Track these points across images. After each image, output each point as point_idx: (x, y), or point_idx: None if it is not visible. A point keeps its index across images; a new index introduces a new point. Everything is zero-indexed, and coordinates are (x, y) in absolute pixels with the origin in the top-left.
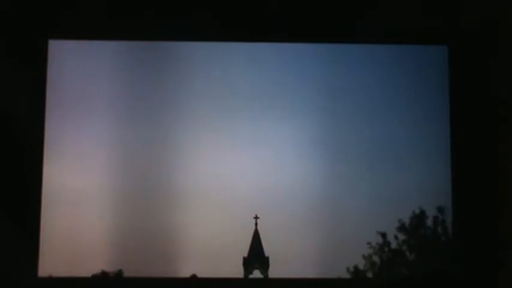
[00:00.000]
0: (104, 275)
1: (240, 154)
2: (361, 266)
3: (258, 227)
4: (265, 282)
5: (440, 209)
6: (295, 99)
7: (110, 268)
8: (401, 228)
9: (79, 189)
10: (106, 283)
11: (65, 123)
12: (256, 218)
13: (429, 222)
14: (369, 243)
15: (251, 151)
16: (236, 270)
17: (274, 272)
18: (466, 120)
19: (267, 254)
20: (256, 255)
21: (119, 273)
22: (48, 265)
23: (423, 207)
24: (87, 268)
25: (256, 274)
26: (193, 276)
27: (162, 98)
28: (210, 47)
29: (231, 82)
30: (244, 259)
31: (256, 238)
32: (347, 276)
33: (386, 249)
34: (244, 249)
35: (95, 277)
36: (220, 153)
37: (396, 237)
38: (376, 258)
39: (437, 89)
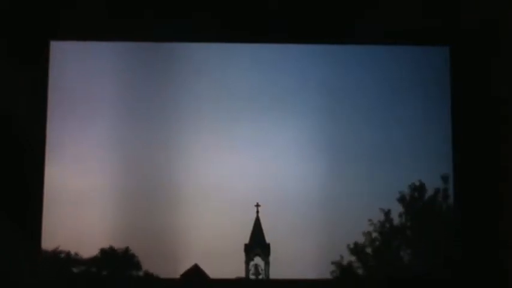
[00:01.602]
0: (112, 250)
1: (241, 155)
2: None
3: (259, 215)
4: (265, 283)
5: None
6: (295, 100)
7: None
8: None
9: (80, 189)
10: (106, 282)
11: (67, 123)
12: (257, 206)
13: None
14: (369, 220)
15: (251, 152)
16: (237, 270)
17: (275, 258)
18: (467, 120)
19: (268, 241)
20: (257, 242)
21: (126, 250)
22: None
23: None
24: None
25: (258, 261)
26: (195, 266)
27: (163, 99)
28: (211, 49)
29: (231, 83)
30: (246, 245)
31: (257, 225)
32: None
33: (387, 225)
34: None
35: (103, 251)
36: (221, 154)
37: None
38: (376, 235)
39: (438, 90)
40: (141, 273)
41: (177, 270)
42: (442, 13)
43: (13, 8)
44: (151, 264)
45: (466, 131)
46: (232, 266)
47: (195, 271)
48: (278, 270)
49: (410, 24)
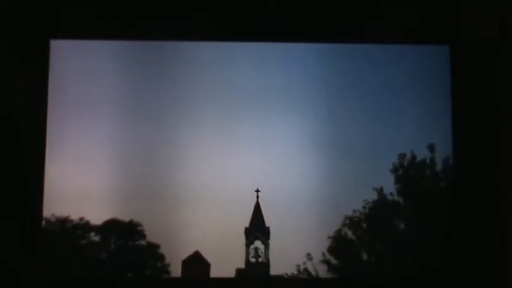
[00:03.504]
0: (113, 221)
1: (243, 153)
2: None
3: (259, 200)
4: (265, 282)
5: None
6: (298, 98)
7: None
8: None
9: (81, 189)
10: (106, 283)
11: (67, 122)
12: (257, 191)
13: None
14: (364, 200)
15: (254, 150)
16: (238, 253)
17: (274, 242)
18: (467, 118)
19: (267, 225)
20: (257, 225)
21: (130, 222)
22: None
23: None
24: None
25: (258, 244)
26: (196, 253)
27: (164, 98)
28: (212, 48)
29: (233, 82)
30: (246, 229)
31: (257, 210)
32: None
33: (380, 202)
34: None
35: (106, 223)
36: (223, 152)
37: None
38: (370, 211)
39: (439, 88)
40: (143, 245)
41: (180, 256)
42: (443, 12)
43: (12, 7)
44: (154, 258)
45: (466, 129)
46: (233, 250)
47: (196, 257)
48: (277, 253)
49: (411, 24)
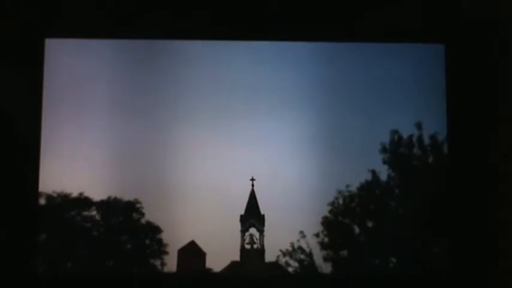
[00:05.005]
0: (115, 201)
1: (238, 147)
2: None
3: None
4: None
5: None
6: (292, 96)
7: None
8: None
9: (76, 187)
10: (105, 282)
11: (62, 122)
12: (252, 180)
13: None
14: (360, 183)
15: (249, 144)
16: (234, 240)
17: (269, 229)
18: (464, 118)
19: (262, 212)
20: (252, 212)
21: (135, 201)
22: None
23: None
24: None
25: (253, 231)
26: (192, 243)
27: (159, 97)
28: (207, 46)
29: (228, 80)
30: (241, 216)
31: (252, 198)
32: None
33: (374, 183)
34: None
35: (105, 201)
36: (218, 146)
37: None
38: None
39: (436, 88)
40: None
41: (176, 246)
42: (442, 12)
43: (9, 6)
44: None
45: (462, 129)
46: (229, 240)
47: (192, 247)
48: (272, 240)
49: (410, 23)
